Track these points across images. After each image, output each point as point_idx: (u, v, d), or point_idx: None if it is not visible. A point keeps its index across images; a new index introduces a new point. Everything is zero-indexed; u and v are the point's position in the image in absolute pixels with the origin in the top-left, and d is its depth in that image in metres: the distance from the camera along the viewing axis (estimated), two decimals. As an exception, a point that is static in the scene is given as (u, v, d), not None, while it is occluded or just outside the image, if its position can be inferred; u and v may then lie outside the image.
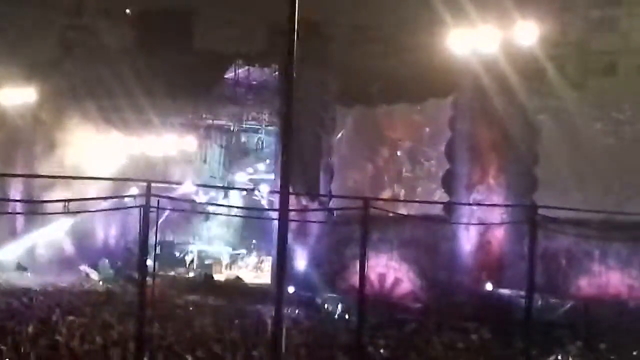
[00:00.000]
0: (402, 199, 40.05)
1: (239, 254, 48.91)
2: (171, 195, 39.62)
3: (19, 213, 51.57)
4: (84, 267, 46.59)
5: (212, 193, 48.32)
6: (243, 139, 50.22)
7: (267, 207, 43.54)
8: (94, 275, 45.56)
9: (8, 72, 57.30)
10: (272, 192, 42.09)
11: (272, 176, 45.16)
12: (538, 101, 35.43)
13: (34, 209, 50.14)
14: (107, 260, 47.26)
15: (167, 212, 33.14)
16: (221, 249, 49.30)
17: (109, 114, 50.21)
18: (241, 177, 48.91)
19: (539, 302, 30.95)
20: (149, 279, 22.91)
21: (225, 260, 48.49)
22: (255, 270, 47.39)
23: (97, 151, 50.72)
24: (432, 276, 37.51)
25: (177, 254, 48.04)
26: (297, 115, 38.99)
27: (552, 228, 31.57)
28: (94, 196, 35.48)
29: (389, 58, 38.79)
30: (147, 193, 21.59)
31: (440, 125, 38.14)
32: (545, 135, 35.16)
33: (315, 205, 41.35)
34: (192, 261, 47.24)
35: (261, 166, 48.29)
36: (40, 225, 50.94)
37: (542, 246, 32.05)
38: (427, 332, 29.96)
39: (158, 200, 22.67)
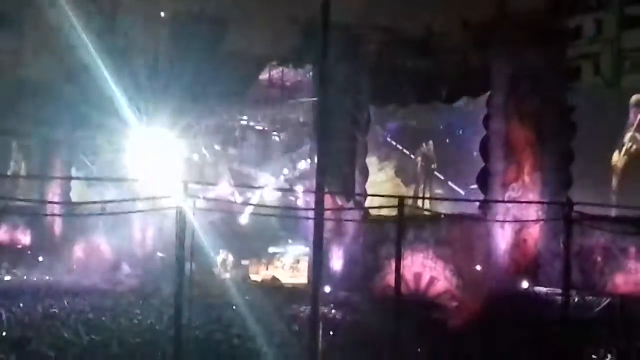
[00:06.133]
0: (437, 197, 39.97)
1: (275, 254, 49.05)
2: (207, 196, 40.04)
3: (57, 215, 52.11)
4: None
5: (248, 194, 48.51)
6: (278, 139, 50.36)
7: (303, 206, 43.67)
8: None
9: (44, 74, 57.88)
10: (307, 191, 42.23)
11: (307, 176, 45.24)
12: (572, 98, 35.37)
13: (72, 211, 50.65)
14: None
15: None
16: (257, 249, 49.43)
17: (142, 117, 50.54)
18: (276, 178, 49.05)
19: (575, 300, 30.90)
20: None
21: (262, 260, 48.65)
22: (292, 270, 47.51)
23: (131, 154, 51.14)
24: (468, 275, 37.51)
25: (213, 254, 48.22)
26: (332, 116, 39.39)
27: (588, 225, 31.59)
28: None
29: (421, 58, 38.85)
30: (183, 194, 21.77)
31: (474, 124, 38.08)
32: (579, 132, 35.08)
33: (350, 204, 41.45)
34: (223, 261, 47.39)
35: (296, 166, 48.39)
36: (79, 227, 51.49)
37: (578, 243, 32.07)
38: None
39: (194, 201, 22.85)
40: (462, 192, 38.06)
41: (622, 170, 34.24)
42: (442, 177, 39.30)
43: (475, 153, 37.85)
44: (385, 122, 41.55)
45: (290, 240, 48.95)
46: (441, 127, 39.71)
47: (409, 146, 40.82)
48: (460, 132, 38.96)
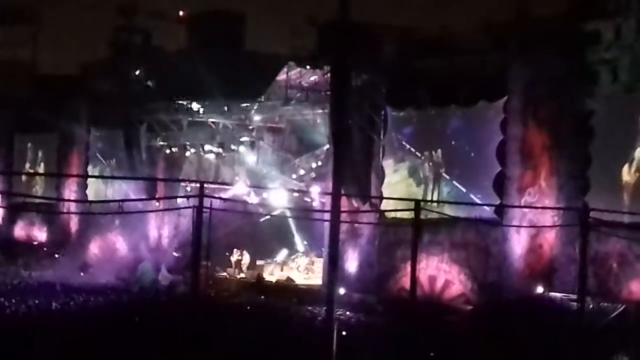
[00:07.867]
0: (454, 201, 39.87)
1: (290, 255, 49.04)
2: (223, 196, 40.10)
3: (74, 213, 52.27)
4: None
5: (264, 194, 48.47)
6: (295, 140, 50.27)
7: (318, 208, 43.63)
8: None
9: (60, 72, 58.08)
10: (323, 193, 42.20)
11: (324, 178, 45.18)
12: (590, 104, 35.22)
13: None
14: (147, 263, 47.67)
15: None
16: (272, 250, 49.42)
17: (160, 116, 50.67)
18: (293, 179, 48.99)
19: (590, 306, 30.84)
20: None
21: (277, 261, 48.64)
22: (306, 272, 47.48)
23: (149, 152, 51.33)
24: (482, 279, 37.45)
25: (228, 254, 48.26)
26: (348, 117, 39.36)
27: (604, 231, 31.50)
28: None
29: (439, 60, 38.74)
30: (200, 194, 21.81)
31: (491, 128, 37.98)
32: (597, 137, 34.94)
33: (366, 207, 41.43)
34: (237, 261, 47.47)
35: (313, 167, 48.31)
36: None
37: (594, 249, 31.99)
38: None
39: (211, 201, 22.91)
40: (464, 190, 38.10)
41: (634, 187, 33.90)
42: (448, 177, 39.31)
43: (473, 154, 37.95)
44: (401, 127, 41.52)
45: (305, 242, 48.93)
46: (451, 131, 39.68)
47: (421, 148, 40.78)
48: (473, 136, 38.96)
